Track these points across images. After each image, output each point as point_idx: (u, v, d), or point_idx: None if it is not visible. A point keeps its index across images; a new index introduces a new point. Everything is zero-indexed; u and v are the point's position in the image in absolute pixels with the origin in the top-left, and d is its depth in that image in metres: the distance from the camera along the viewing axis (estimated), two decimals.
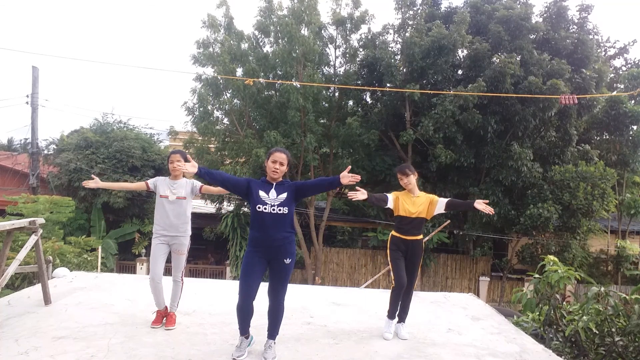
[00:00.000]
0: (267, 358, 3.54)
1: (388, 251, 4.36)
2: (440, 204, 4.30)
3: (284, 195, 3.55)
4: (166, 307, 4.29)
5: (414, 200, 4.28)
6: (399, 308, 4.35)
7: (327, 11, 16.65)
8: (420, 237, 4.35)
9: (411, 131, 14.96)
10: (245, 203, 17.09)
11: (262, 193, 3.54)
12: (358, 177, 3.55)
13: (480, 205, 4.14)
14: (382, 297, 4.87)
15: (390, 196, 4.34)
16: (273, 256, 3.55)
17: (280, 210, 3.50)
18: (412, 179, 4.28)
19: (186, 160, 4.27)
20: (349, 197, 4.12)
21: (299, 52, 14.78)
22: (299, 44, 14.49)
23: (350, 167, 3.86)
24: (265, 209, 3.49)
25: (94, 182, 4.24)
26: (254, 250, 3.56)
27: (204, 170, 3.54)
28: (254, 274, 3.52)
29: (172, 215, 4.23)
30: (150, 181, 4.39)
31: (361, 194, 3.94)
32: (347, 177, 3.52)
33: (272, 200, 3.53)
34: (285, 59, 14.74)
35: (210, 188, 4.45)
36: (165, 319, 4.25)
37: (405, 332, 4.31)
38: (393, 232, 4.38)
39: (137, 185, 4.52)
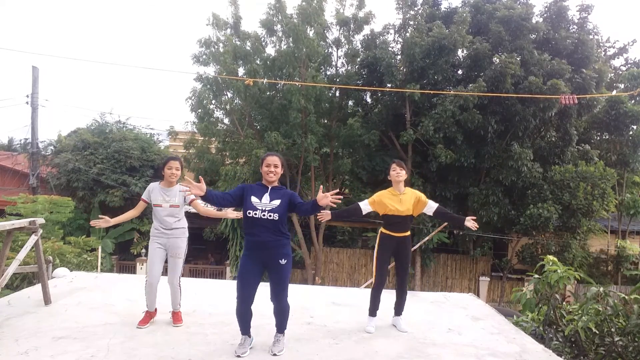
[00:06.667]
0: (274, 351, 3.61)
1: (377, 249, 4.36)
2: (429, 207, 4.32)
3: (278, 201, 3.52)
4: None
5: (400, 198, 4.29)
6: (394, 303, 4.48)
7: (331, 11, 16.54)
8: (409, 233, 4.41)
9: (411, 131, 14.95)
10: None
11: (254, 198, 3.52)
12: (338, 197, 3.41)
13: (470, 222, 4.21)
14: (382, 297, 4.85)
15: (365, 203, 4.32)
16: (267, 259, 3.55)
17: (270, 215, 3.47)
18: (404, 175, 4.31)
19: (183, 169, 4.28)
20: (319, 219, 4.13)
21: (303, 54, 14.77)
22: (304, 45, 14.48)
23: (322, 186, 3.64)
24: (255, 214, 3.47)
25: (104, 222, 4.15)
26: (248, 253, 3.57)
27: (211, 194, 3.41)
28: (250, 278, 3.54)
29: (167, 221, 4.20)
30: (145, 195, 4.29)
31: (327, 216, 4.05)
32: (324, 198, 3.39)
33: (263, 205, 3.49)
34: (289, 60, 14.72)
35: (197, 204, 4.32)
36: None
37: (404, 324, 4.41)
38: (382, 230, 4.38)
39: (139, 207, 4.38)
